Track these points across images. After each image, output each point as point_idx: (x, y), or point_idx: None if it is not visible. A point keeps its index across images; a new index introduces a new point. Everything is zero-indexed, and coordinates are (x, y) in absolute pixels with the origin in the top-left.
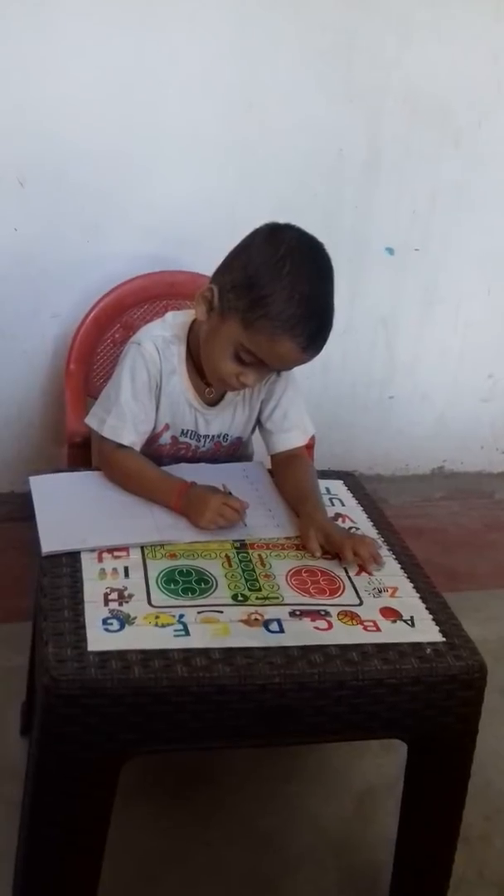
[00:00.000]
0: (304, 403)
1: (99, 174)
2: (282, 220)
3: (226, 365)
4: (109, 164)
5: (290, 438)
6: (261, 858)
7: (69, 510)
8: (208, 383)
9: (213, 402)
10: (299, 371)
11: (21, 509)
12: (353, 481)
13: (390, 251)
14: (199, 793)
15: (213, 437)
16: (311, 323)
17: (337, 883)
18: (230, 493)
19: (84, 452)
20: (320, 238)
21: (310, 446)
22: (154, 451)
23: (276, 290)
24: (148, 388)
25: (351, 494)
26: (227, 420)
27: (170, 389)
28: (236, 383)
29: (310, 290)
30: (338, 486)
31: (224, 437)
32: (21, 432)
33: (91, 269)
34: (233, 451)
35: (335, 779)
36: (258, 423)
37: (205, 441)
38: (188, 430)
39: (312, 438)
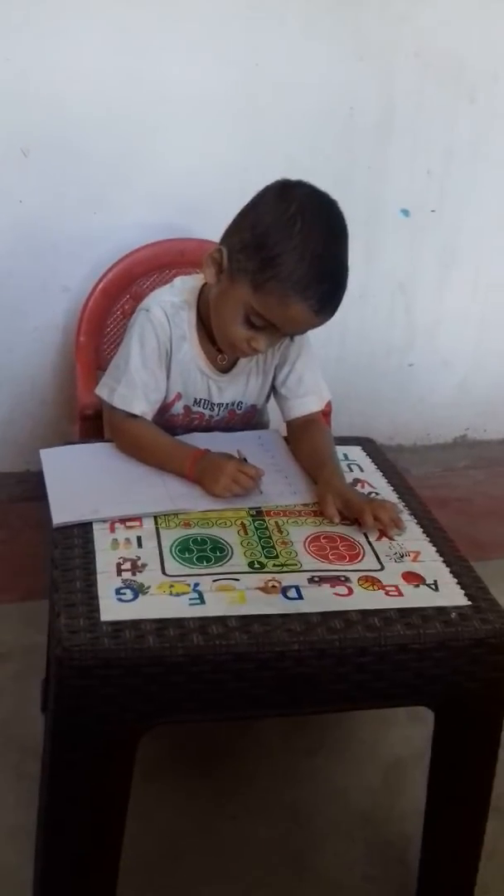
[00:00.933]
0: (319, 368)
1: (104, 142)
2: None
3: (236, 329)
4: (115, 131)
5: (306, 403)
6: (287, 831)
7: (80, 482)
8: (220, 349)
9: (225, 369)
10: (315, 339)
11: (37, 488)
12: (371, 446)
13: (405, 213)
14: (222, 766)
15: (226, 405)
16: (324, 284)
17: (365, 855)
18: (245, 460)
19: (96, 425)
20: None
21: (326, 413)
22: (167, 422)
23: (287, 250)
24: (157, 356)
25: (370, 460)
26: (240, 387)
27: (180, 356)
28: (247, 348)
29: (323, 250)
30: (356, 452)
31: (238, 404)
32: (34, 410)
33: (100, 240)
34: (248, 420)
35: (362, 750)
36: (273, 389)
37: (218, 409)
38: (201, 399)
39: (329, 405)
